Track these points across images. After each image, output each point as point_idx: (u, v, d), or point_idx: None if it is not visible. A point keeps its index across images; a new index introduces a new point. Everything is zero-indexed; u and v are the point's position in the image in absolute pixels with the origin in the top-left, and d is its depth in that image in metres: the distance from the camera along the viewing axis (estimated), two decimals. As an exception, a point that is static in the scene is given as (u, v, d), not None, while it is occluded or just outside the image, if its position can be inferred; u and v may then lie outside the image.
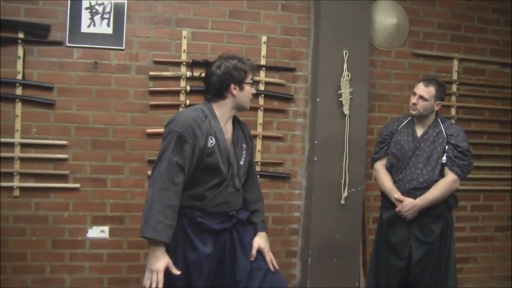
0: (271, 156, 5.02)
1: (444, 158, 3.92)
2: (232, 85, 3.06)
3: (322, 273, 4.96)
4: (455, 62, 5.46)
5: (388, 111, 5.30)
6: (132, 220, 4.63)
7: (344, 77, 4.83)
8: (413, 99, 3.99)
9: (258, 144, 4.91)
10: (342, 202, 4.91)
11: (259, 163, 4.92)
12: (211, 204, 3.02)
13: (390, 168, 4.15)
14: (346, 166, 4.89)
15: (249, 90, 3.13)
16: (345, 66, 4.83)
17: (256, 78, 4.80)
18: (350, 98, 4.85)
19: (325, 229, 4.93)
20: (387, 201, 4.12)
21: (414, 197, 3.94)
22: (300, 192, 5.11)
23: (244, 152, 3.20)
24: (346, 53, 4.84)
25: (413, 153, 4.00)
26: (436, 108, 4.01)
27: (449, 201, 3.99)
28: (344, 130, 4.88)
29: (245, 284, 3.08)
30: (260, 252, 3.20)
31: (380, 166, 4.23)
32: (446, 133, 3.97)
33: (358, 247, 5.12)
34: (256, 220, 3.30)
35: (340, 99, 4.85)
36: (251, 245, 3.16)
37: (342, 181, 4.90)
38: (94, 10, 4.50)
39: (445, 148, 3.93)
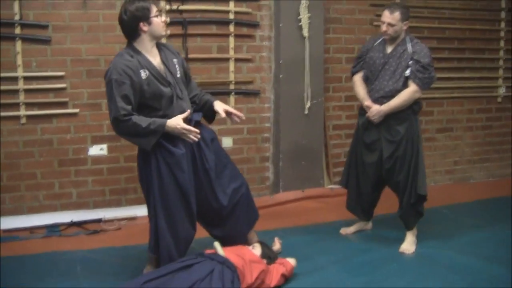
0: (243, 76, 5.52)
1: (408, 71, 4.27)
2: (141, 24, 3.46)
3: (291, 174, 5.58)
4: None
5: (341, 32, 5.85)
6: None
7: (302, 4, 5.34)
8: (383, 27, 4.31)
9: (231, 65, 5.42)
10: (306, 112, 5.51)
11: (233, 82, 5.47)
12: (172, 116, 3.54)
13: (365, 80, 4.54)
14: (308, 81, 5.46)
15: (157, 21, 3.52)
16: None
17: (225, 8, 5.34)
18: (309, 22, 5.36)
19: (293, 136, 5.53)
20: (362, 109, 4.54)
21: (381, 104, 4.34)
22: (269, 105, 5.65)
23: (176, 65, 3.68)
24: None
25: (382, 67, 4.36)
26: (404, 27, 4.31)
27: (412, 106, 4.37)
28: (304, 50, 5.41)
29: (214, 171, 3.79)
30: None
31: (357, 78, 4.61)
32: (411, 50, 4.28)
33: (321, 150, 5.77)
34: (207, 98, 3.89)
35: (300, 23, 5.36)
36: (210, 139, 3.79)
37: (305, 94, 5.48)
38: None
39: (408, 63, 4.27)
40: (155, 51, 3.62)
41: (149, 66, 3.51)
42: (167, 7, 5.03)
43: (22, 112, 4.86)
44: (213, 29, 5.39)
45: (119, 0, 4.96)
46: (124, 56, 3.48)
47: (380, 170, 4.50)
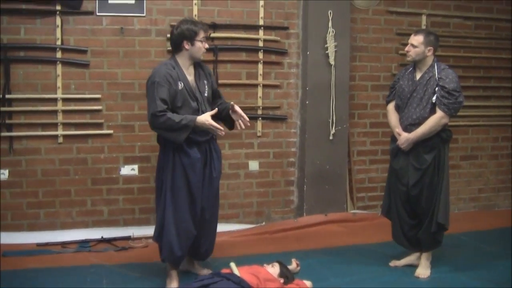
0: (270, 101, 5.77)
1: (434, 98, 4.31)
2: (185, 41, 3.97)
3: (315, 198, 5.76)
4: (424, 17, 6.22)
5: (367, 60, 6.09)
6: (157, 159, 5.25)
7: (329, 33, 5.58)
8: (406, 47, 4.46)
9: (259, 91, 5.69)
10: (331, 138, 5.70)
11: (261, 107, 5.72)
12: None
13: (397, 108, 4.63)
14: (333, 108, 5.67)
15: (199, 45, 4.02)
16: (330, 23, 5.59)
17: (255, 36, 5.61)
18: (335, 50, 5.61)
19: (317, 161, 5.72)
20: (393, 135, 4.62)
21: (410, 132, 4.40)
22: (296, 130, 5.85)
23: (206, 86, 4.13)
24: (330, 12, 5.59)
25: (411, 95, 4.44)
26: (428, 53, 4.39)
27: (441, 134, 4.39)
28: (330, 78, 5.64)
29: (217, 179, 4.23)
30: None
31: (390, 107, 4.71)
32: (437, 77, 4.33)
33: (345, 175, 5.95)
34: (226, 105, 4.23)
35: (327, 51, 5.61)
36: (219, 152, 4.26)
37: (330, 120, 5.68)
38: None
39: (435, 89, 4.33)
40: (191, 69, 4.10)
41: (184, 80, 4.00)
42: None
43: (60, 131, 5.17)
44: (243, 56, 5.63)
45: (154, 26, 5.36)
46: (167, 66, 3.98)
47: (409, 199, 4.56)
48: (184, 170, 4.01)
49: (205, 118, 3.91)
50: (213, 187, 4.21)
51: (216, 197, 4.33)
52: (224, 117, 4.23)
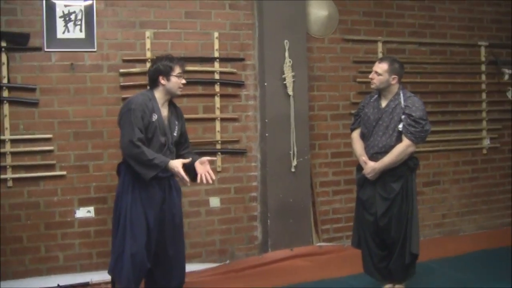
0: (229, 135, 5.65)
1: (400, 126, 4.32)
2: (161, 77, 4.05)
3: (280, 232, 5.62)
4: (380, 44, 6.28)
5: (325, 89, 6.08)
6: (114, 199, 5.07)
7: (286, 63, 5.54)
8: (370, 75, 4.45)
9: (217, 125, 5.58)
10: (293, 170, 5.62)
11: (219, 141, 5.60)
12: None
13: (362, 136, 4.60)
14: (294, 139, 5.59)
15: (176, 80, 4.09)
16: (286, 53, 5.55)
17: (211, 68, 5.54)
18: (293, 80, 5.56)
19: (280, 194, 5.62)
20: (359, 165, 4.57)
21: (377, 161, 4.37)
22: (256, 164, 5.76)
23: (176, 126, 4.19)
24: (287, 42, 5.55)
25: (376, 123, 4.42)
26: (393, 82, 4.38)
27: (408, 163, 4.39)
28: (289, 109, 5.58)
29: (178, 217, 4.26)
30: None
31: (355, 135, 4.67)
32: (403, 104, 4.34)
33: (309, 207, 5.85)
34: (192, 156, 4.24)
35: (284, 82, 5.54)
36: (180, 190, 4.31)
37: (291, 152, 5.60)
38: (67, 18, 5.01)
39: (401, 117, 4.32)
40: (166, 105, 4.16)
41: (158, 114, 4.07)
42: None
43: (9, 175, 4.92)
44: (199, 90, 5.55)
45: (105, 62, 5.23)
46: (144, 96, 4.08)
47: (378, 230, 4.50)
48: (142, 204, 4.03)
49: (176, 165, 3.95)
50: (175, 224, 4.21)
51: (179, 234, 4.31)
52: (188, 167, 4.16)
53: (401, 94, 4.40)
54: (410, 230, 4.39)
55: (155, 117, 4.05)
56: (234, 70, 5.64)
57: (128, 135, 3.94)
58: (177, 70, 4.10)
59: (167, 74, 4.07)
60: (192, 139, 5.08)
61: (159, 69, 4.08)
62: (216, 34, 5.54)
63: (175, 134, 4.21)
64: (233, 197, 5.72)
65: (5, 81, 4.88)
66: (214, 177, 4.13)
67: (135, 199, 4.03)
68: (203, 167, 4.12)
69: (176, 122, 4.24)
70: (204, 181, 4.08)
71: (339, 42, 6.10)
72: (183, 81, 4.16)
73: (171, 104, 4.26)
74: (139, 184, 4.03)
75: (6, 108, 4.89)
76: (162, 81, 4.08)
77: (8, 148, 4.92)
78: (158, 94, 4.13)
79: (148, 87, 4.23)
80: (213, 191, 5.62)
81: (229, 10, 5.60)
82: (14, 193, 4.98)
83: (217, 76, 5.56)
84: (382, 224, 4.43)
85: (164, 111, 4.15)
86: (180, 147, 4.34)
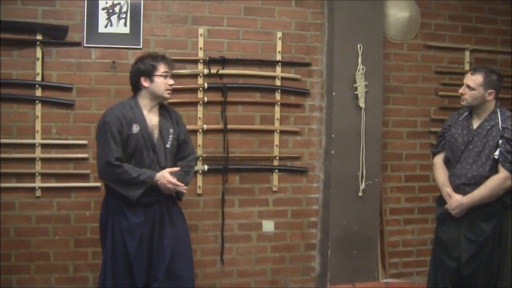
0: (289, 150, 5.16)
1: (497, 153, 3.69)
2: (142, 78, 3.67)
3: (341, 265, 5.08)
4: (467, 53, 5.59)
5: (402, 103, 5.46)
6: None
7: (359, 70, 4.96)
8: (460, 89, 3.87)
9: (276, 139, 5.08)
10: (360, 194, 5.05)
11: (277, 157, 5.09)
12: None
13: (447, 162, 4.01)
14: (363, 159, 5.03)
15: (160, 81, 3.69)
16: (359, 59, 4.98)
17: (271, 73, 5.02)
18: (365, 91, 4.99)
19: (344, 222, 5.08)
20: (441, 197, 4.00)
21: (464, 193, 3.77)
22: (318, 185, 5.24)
23: (170, 136, 3.77)
24: (360, 46, 4.99)
25: (465, 147, 3.83)
26: (488, 98, 3.78)
27: (504, 199, 3.75)
28: (360, 123, 5.02)
29: (172, 249, 3.74)
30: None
31: (438, 160, 4.08)
32: (501, 126, 3.73)
33: (376, 238, 5.28)
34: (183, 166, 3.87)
35: (356, 92, 4.98)
36: (179, 216, 3.86)
37: (359, 174, 5.04)
38: (111, 10, 4.61)
39: (498, 142, 3.71)
40: (155, 112, 3.78)
41: (142, 123, 3.67)
42: (205, 70, 4.82)
43: (38, 183, 4.57)
44: (257, 97, 5.08)
45: None
46: (123, 105, 3.70)
47: (461, 278, 3.86)
48: (122, 235, 3.68)
49: (162, 173, 3.63)
50: (164, 258, 3.74)
51: (177, 268, 3.81)
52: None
53: (499, 113, 3.79)
54: (501, 284, 3.72)
55: (136, 128, 3.65)
56: (298, 77, 5.12)
57: (104, 154, 3.60)
58: (161, 68, 3.71)
59: (149, 75, 3.69)
60: (246, 153, 4.95)
61: (139, 70, 3.70)
62: (279, 34, 5.04)
63: (168, 145, 3.77)
64: (290, 221, 5.21)
65: (38, 78, 4.53)
66: (185, 189, 3.79)
67: (115, 231, 3.68)
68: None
69: (171, 130, 3.81)
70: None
71: (420, 49, 5.48)
72: (171, 81, 3.76)
73: (163, 109, 3.86)
74: (119, 213, 3.69)
75: (38, 108, 4.55)
76: (145, 83, 3.70)
77: (38, 153, 4.56)
78: (142, 100, 3.75)
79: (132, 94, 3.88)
80: (267, 213, 5.16)
81: (295, 8, 5.09)
82: (42, 204, 4.62)
83: (278, 83, 5.07)
84: (467, 272, 3.76)
85: (153, 119, 3.75)
86: (177, 158, 3.91)
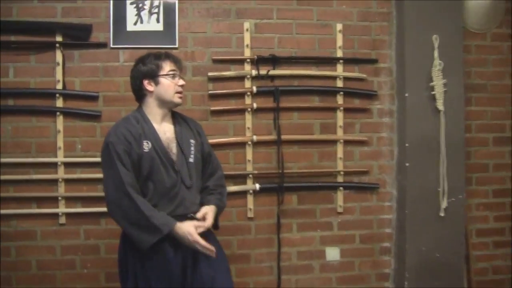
0: (355, 163, 4.73)
1: None
2: (145, 81, 3.16)
3: None
4: None
5: (486, 103, 4.89)
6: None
7: (435, 66, 4.50)
8: None
9: (339, 150, 4.64)
10: (441, 214, 4.57)
11: (342, 172, 4.63)
12: (164, 210, 3.07)
13: None
14: (444, 171, 4.55)
15: (166, 82, 3.17)
16: (435, 53, 4.50)
17: (332, 73, 4.57)
18: (444, 90, 4.51)
19: (422, 247, 4.63)
20: None
21: None
22: (391, 204, 4.82)
23: (192, 148, 3.27)
24: (436, 38, 4.51)
25: None
26: None
27: None
28: (438, 129, 4.56)
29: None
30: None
31: None
32: None
33: (462, 265, 4.75)
34: (207, 199, 3.30)
35: (432, 92, 4.52)
36: (215, 246, 3.19)
37: (440, 189, 4.57)
38: (140, 5, 4.24)
39: None
40: (168, 122, 3.27)
41: (154, 138, 3.14)
42: (254, 72, 4.41)
43: (61, 209, 4.23)
44: (315, 101, 4.66)
45: (190, 62, 4.46)
46: (128, 120, 3.19)
47: None
48: (145, 275, 3.11)
49: (188, 229, 3.02)
50: None
51: None
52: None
53: None
54: None
55: (147, 145, 3.11)
56: (364, 76, 4.68)
57: (111, 181, 3.05)
58: (167, 67, 3.19)
59: (152, 76, 3.16)
60: (304, 168, 4.61)
61: (140, 71, 3.18)
62: (339, 27, 4.60)
63: (191, 160, 3.22)
64: (358, 247, 4.77)
65: (59, 86, 4.21)
66: (212, 250, 3.11)
67: (136, 270, 3.10)
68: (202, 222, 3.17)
69: (192, 142, 3.29)
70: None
71: (507, 39, 4.92)
72: (180, 81, 3.23)
73: (178, 117, 3.35)
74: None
75: (60, 121, 4.22)
76: (149, 86, 3.16)
77: (61, 174, 4.21)
78: (149, 109, 3.21)
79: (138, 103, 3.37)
80: (331, 239, 4.73)
81: None
82: (67, 232, 4.29)
83: (340, 84, 4.64)
84: None
85: (167, 131, 3.22)
86: (203, 176, 3.37)
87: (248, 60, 4.36)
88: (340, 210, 4.67)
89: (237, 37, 4.43)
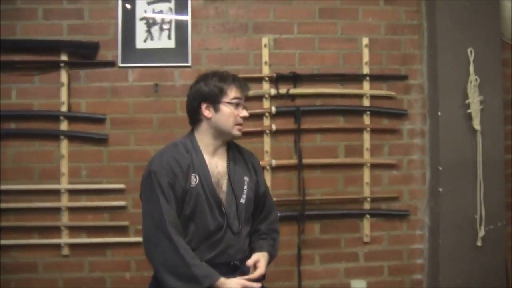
0: (383, 189, 4.53)
1: None
2: (204, 105, 2.77)
3: None
4: None
5: None
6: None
7: (471, 82, 4.33)
8: None
9: (366, 174, 4.45)
10: (478, 243, 4.35)
11: (368, 199, 4.42)
12: (203, 256, 2.74)
13: None
14: (481, 197, 4.34)
15: (228, 111, 2.77)
16: (471, 68, 4.32)
17: (358, 91, 4.42)
18: (481, 108, 4.34)
19: (458, 279, 4.39)
20: None
21: None
22: (423, 233, 4.61)
23: (245, 187, 2.90)
24: (471, 51, 4.34)
25: None
26: None
27: None
28: (475, 150, 4.36)
29: None
30: None
31: None
32: None
33: None
34: (258, 245, 2.96)
35: (468, 110, 4.34)
36: None
37: (477, 216, 4.37)
38: (151, 21, 4.12)
39: None
40: (221, 154, 2.88)
41: (203, 171, 2.76)
42: (273, 91, 4.23)
43: (65, 239, 4.09)
44: (340, 122, 4.52)
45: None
46: (177, 147, 2.81)
47: None
48: None
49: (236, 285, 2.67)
50: None
51: None
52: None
53: None
54: None
55: (195, 179, 2.73)
56: (393, 94, 4.51)
57: (150, 217, 2.69)
58: (231, 93, 2.79)
59: (213, 100, 2.77)
60: (328, 194, 4.44)
61: (201, 92, 2.78)
62: (365, 41, 4.45)
63: (242, 201, 2.85)
64: (387, 280, 4.52)
65: (64, 108, 4.08)
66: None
67: None
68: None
69: (246, 179, 2.90)
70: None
71: None
72: (244, 112, 2.83)
73: (233, 150, 2.96)
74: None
75: (64, 145, 4.08)
76: (206, 112, 2.77)
77: (64, 201, 4.08)
78: (203, 137, 2.82)
79: (190, 130, 2.98)
80: (357, 271, 4.52)
81: (384, 7, 4.51)
82: (71, 264, 4.13)
83: (366, 102, 4.48)
84: None
85: (219, 165, 2.83)
86: (255, 219, 3.01)
87: (267, 78, 4.19)
88: (366, 239, 4.48)
89: (254, 53, 4.27)
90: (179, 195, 2.69)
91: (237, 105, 2.78)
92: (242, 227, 2.84)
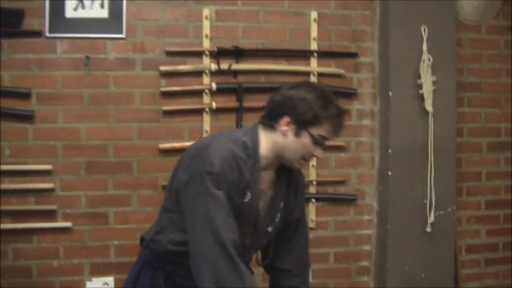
0: (330, 172, 4.36)
1: None
2: (287, 119, 2.34)
3: None
4: None
5: (481, 104, 4.60)
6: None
7: (424, 61, 4.18)
8: None
9: None
10: (428, 229, 4.25)
11: (314, 182, 4.25)
12: None
13: None
14: (432, 181, 4.24)
15: (307, 143, 2.37)
16: (424, 47, 4.18)
17: (304, 68, 4.19)
18: (433, 89, 4.19)
19: (406, 266, 4.31)
20: None
21: None
22: (371, 218, 4.46)
23: (278, 213, 2.56)
24: (425, 29, 4.20)
25: None
26: None
27: None
28: (427, 133, 4.24)
29: None
30: None
31: None
32: None
33: (450, 285, 4.46)
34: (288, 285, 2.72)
35: (420, 91, 4.20)
36: None
37: (427, 201, 4.25)
38: None
39: None
40: (271, 169, 2.51)
41: (254, 187, 2.39)
42: (213, 66, 4.02)
43: None
44: None
45: (139, 55, 4.04)
46: (239, 147, 2.36)
47: None
48: None
49: None
50: None
51: None
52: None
53: None
54: None
55: (248, 195, 2.35)
56: (342, 72, 4.30)
57: (207, 228, 2.24)
58: (323, 128, 2.35)
59: (302, 123, 2.34)
60: None
61: (294, 104, 2.32)
62: (313, 15, 4.22)
63: (270, 229, 2.53)
64: (333, 267, 4.39)
65: None
66: None
67: None
68: None
69: (281, 205, 2.55)
70: None
71: (503, 33, 4.61)
72: (318, 152, 2.41)
73: (285, 171, 2.56)
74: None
75: None
76: (284, 127, 2.34)
77: None
78: (266, 145, 2.40)
79: (254, 125, 2.56)
80: None
81: None
82: None
83: (314, 80, 4.25)
84: None
85: (264, 182, 2.47)
86: (282, 247, 2.68)
87: (207, 52, 3.95)
88: (312, 225, 4.27)
89: (194, 25, 4.00)
90: (234, 207, 2.32)
91: (318, 143, 2.40)
92: (254, 251, 2.59)
